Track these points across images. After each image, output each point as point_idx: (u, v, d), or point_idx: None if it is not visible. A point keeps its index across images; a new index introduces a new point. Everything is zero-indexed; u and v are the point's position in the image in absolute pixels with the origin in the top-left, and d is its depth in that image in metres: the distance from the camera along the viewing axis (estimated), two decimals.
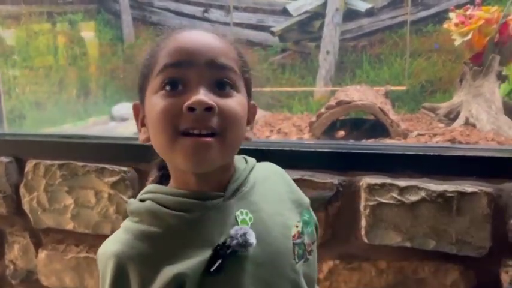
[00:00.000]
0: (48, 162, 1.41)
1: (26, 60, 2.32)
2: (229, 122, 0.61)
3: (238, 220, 0.64)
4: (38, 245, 1.50)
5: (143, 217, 0.65)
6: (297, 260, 0.69)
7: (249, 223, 0.65)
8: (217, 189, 0.66)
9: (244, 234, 0.61)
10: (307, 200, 0.77)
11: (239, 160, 0.72)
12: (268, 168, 0.77)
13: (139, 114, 0.70)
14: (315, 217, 0.78)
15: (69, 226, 1.41)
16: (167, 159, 0.65)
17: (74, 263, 1.43)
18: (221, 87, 0.62)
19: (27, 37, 2.38)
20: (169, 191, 0.66)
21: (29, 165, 1.43)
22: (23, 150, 1.48)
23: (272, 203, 0.70)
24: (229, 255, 0.61)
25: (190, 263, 0.60)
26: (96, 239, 1.41)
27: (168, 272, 0.60)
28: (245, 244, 0.61)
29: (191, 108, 0.58)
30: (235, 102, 0.63)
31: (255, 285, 0.63)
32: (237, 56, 0.66)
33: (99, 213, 1.37)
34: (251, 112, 0.70)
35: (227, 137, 0.61)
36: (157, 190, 0.67)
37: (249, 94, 0.69)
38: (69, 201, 1.40)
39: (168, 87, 0.61)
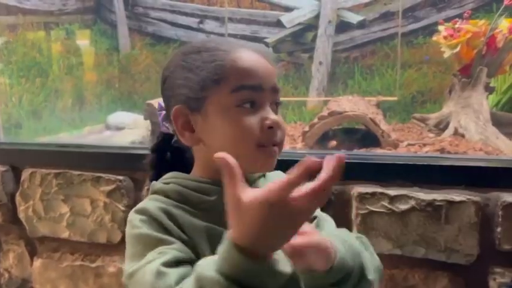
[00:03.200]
0: (45, 171, 1.42)
1: (22, 69, 2.33)
2: (283, 135, 0.75)
3: None
4: (33, 253, 1.50)
5: (169, 194, 0.73)
6: None
7: None
8: None
9: None
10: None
11: None
12: (278, 175, 0.84)
13: (179, 118, 0.75)
14: (330, 218, 0.85)
15: (65, 234, 1.42)
16: (245, 160, 0.61)
17: (69, 271, 1.44)
18: (275, 104, 0.75)
19: (24, 47, 2.40)
20: (191, 177, 0.76)
21: (25, 174, 1.44)
22: (19, 159, 1.49)
23: None
24: None
25: (206, 232, 0.69)
26: (91, 248, 1.42)
27: (198, 221, 0.70)
28: None
29: (270, 127, 0.71)
30: (281, 117, 0.75)
31: None
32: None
33: (95, 221, 1.38)
34: None
35: (281, 146, 0.75)
36: (179, 176, 0.76)
37: None
38: (65, 209, 1.41)
39: (246, 105, 0.71)
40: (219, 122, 0.72)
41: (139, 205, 0.72)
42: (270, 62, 0.75)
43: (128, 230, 0.71)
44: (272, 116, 0.72)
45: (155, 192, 0.75)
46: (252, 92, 0.71)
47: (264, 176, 0.82)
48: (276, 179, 0.80)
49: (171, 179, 0.75)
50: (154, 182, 0.77)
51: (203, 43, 0.76)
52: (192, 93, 0.73)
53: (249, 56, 0.73)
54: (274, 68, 0.76)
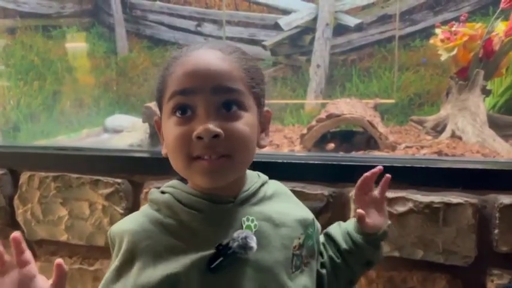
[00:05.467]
0: (43, 174, 1.42)
1: (20, 72, 2.33)
2: (237, 144, 0.66)
3: (244, 225, 0.69)
4: None
5: (161, 207, 0.70)
6: (293, 270, 0.73)
7: (253, 229, 0.69)
8: (229, 195, 0.71)
9: (246, 237, 0.66)
10: (312, 215, 0.82)
11: (252, 175, 0.77)
12: (278, 186, 0.82)
13: (160, 128, 0.74)
14: (319, 225, 0.85)
15: (63, 238, 1.42)
16: (185, 175, 0.71)
17: (67, 274, 1.44)
18: (228, 108, 0.66)
19: (22, 50, 2.40)
20: (187, 189, 0.71)
21: (24, 177, 1.44)
22: (18, 162, 1.49)
23: (279, 215, 0.74)
24: (229, 256, 0.66)
25: (192, 258, 0.65)
26: (89, 251, 1.42)
27: (172, 264, 0.65)
28: (245, 247, 0.66)
29: (200, 137, 0.64)
30: (243, 123, 0.67)
31: None
32: (243, 74, 0.69)
33: (93, 224, 1.38)
34: (266, 119, 0.75)
35: (236, 157, 0.66)
36: (178, 186, 0.72)
37: (261, 104, 0.73)
38: (63, 212, 1.41)
39: (178, 113, 0.66)
40: (164, 132, 0.71)
41: (128, 226, 0.69)
42: (224, 61, 0.67)
43: (115, 241, 0.70)
44: (205, 124, 0.63)
45: (150, 201, 0.73)
46: (183, 97, 0.66)
47: (265, 183, 0.78)
48: (274, 189, 0.79)
49: (169, 189, 0.73)
50: (152, 189, 0.74)
51: (172, 53, 0.73)
52: (157, 105, 0.74)
53: (190, 60, 0.67)
54: (227, 66, 0.67)
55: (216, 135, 0.64)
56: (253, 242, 0.66)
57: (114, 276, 0.67)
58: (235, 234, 0.67)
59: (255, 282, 0.67)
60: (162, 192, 0.73)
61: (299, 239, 0.75)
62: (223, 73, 0.66)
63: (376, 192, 0.89)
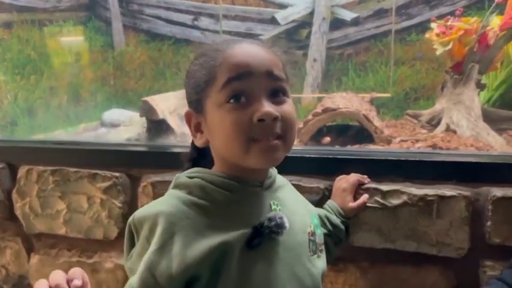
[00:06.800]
0: (41, 168, 1.42)
1: (17, 67, 2.33)
2: (289, 126, 0.71)
3: (272, 208, 0.75)
4: (30, 249, 1.51)
5: (192, 189, 0.72)
6: (311, 253, 0.79)
7: None
8: (255, 180, 0.76)
9: (281, 217, 0.72)
10: (314, 207, 0.90)
11: None
12: (282, 178, 0.87)
13: (191, 121, 0.76)
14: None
15: (62, 231, 1.43)
16: (238, 160, 0.72)
17: (66, 267, 1.44)
18: (276, 95, 0.71)
19: (18, 44, 2.40)
20: (215, 173, 0.75)
21: (22, 171, 1.45)
22: (16, 156, 1.50)
23: (291, 203, 0.81)
24: (267, 234, 0.70)
25: (232, 235, 0.68)
26: (88, 244, 1.43)
27: (214, 239, 0.67)
28: (281, 226, 0.71)
29: (261, 119, 0.67)
30: (290, 106, 0.72)
31: (282, 267, 0.73)
32: (282, 66, 0.74)
33: (92, 218, 1.39)
34: None
35: (288, 138, 0.72)
36: (204, 171, 0.75)
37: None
38: (61, 206, 1.41)
39: (232, 100, 0.68)
40: (214, 121, 0.72)
41: (159, 208, 0.70)
42: (268, 52, 0.73)
43: (144, 226, 0.70)
44: (264, 107, 0.67)
45: (177, 186, 0.74)
46: (240, 82, 0.68)
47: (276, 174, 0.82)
48: (281, 181, 0.84)
49: (195, 173, 0.75)
50: (178, 174, 0.76)
51: (207, 46, 0.76)
52: (193, 97, 0.75)
53: (240, 50, 0.71)
54: (273, 56, 0.73)
55: (275, 118, 0.68)
56: (287, 222, 0.72)
57: (156, 258, 0.67)
58: (271, 215, 0.71)
59: (283, 261, 0.73)
60: (189, 177, 0.74)
61: (310, 226, 0.81)
62: (272, 61, 0.71)
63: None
